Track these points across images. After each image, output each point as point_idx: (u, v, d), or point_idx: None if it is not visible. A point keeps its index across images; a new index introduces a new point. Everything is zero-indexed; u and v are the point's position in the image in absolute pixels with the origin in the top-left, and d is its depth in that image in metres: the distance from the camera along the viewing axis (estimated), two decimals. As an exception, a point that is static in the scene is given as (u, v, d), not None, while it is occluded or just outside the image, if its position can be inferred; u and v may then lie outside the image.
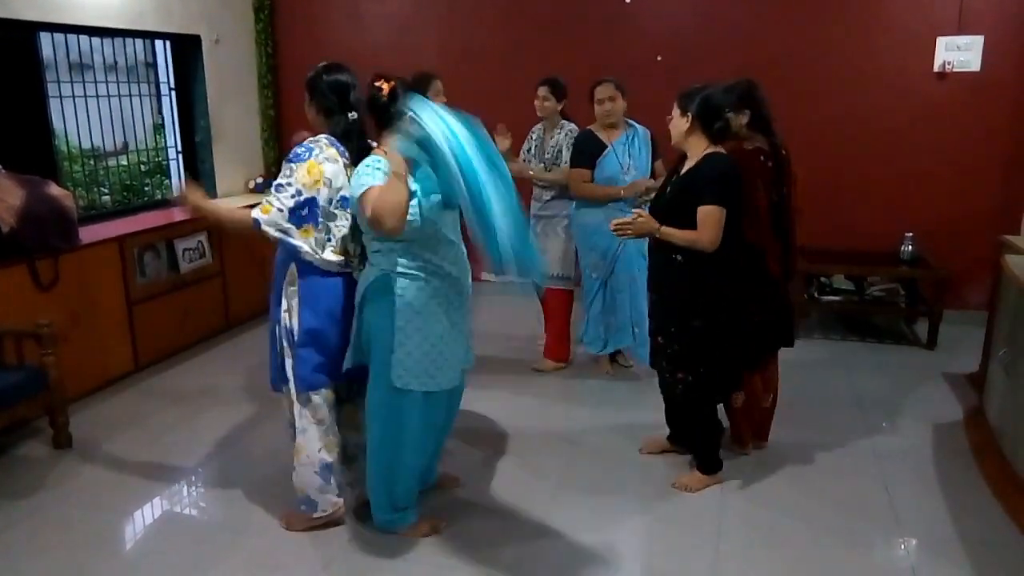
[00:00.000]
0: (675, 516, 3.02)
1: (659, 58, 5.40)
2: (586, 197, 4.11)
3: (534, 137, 4.42)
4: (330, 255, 2.69)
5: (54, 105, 4.71)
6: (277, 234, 2.61)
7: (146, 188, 5.98)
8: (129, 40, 5.31)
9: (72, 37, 4.84)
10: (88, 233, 4.27)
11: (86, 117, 5.00)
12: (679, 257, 2.96)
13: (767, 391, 3.42)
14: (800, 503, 3.09)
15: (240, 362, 4.70)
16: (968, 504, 3.07)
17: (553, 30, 5.58)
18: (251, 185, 6.03)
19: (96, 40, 5.04)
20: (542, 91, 4.25)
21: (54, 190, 3.91)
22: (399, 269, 2.59)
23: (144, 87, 5.64)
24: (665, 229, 2.94)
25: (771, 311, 3.19)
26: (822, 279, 5.20)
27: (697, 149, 2.97)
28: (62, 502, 3.15)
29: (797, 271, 3.42)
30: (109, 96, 5.18)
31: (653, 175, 4.11)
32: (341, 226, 2.70)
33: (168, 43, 5.59)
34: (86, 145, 5.13)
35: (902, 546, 2.84)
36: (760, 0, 5.24)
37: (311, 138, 2.71)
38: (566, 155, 4.23)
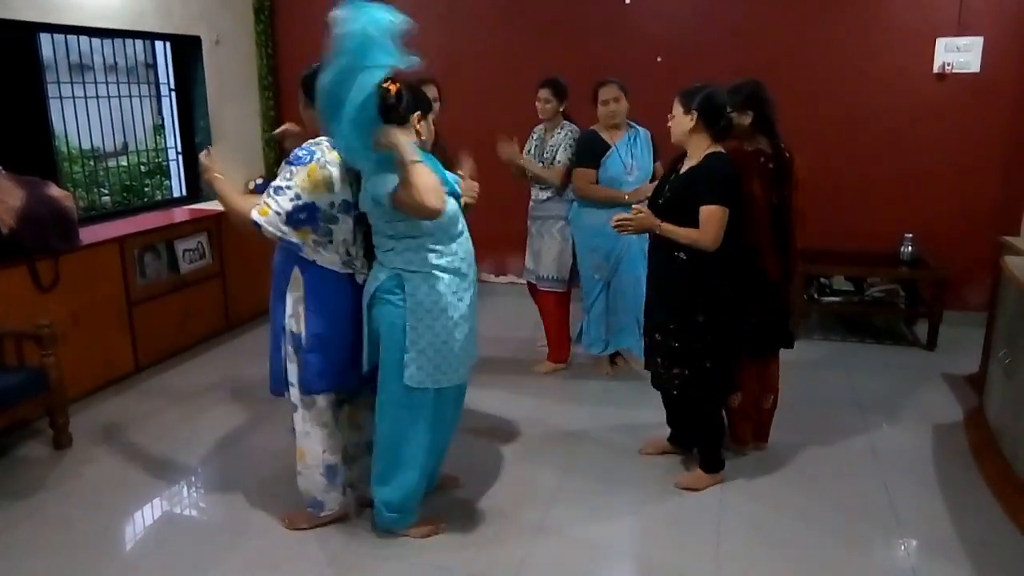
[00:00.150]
0: (675, 516, 3.02)
1: (659, 59, 5.40)
2: (590, 198, 4.10)
3: (535, 138, 4.40)
4: (331, 255, 2.68)
5: (54, 106, 4.71)
6: (279, 235, 2.59)
7: (146, 189, 5.98)
8: (129, 41, 5.32)
9: (72, 38, 4.85)
10: (88, 234, 4.27)
11: (86, 118, 5.01)
12: (682, 255, 2.96)
13: (768, 392, 3.42)
14: (800, 503, 3.09)
15: (240, 363, 4.71)
16: (968, 504, 3.07)
17: (553, 31, 5.58)
18: (251, 186, 6.03)
19: (96, 41, 5.05)
20: (544, 93, 4.23)
21: (54, 191, 3.91)
22: (412, 268, 2.60)
23: (144, 88, 5.65)
24: (666, 226, 2.94)
25: (770, 311, 3.19)
26: (822, 280, 5.20)
27: (699, 148, 2.97)
28: (62, 502, 3.15)
29: (797, 273, 3.41)
30: (109, 97, 5.19)
31: (653, 177, 4.11)
32: (343, 229, 2.68)
33: (168, 44, 5.60)
34: (86, 146, 5.14)
35: (902, 546, 2.84)
36: (760, 1, 5.24)
37: (311, 140, 2.67)
38: (562, 155, 4.21)
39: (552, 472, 3.36)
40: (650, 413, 3.67)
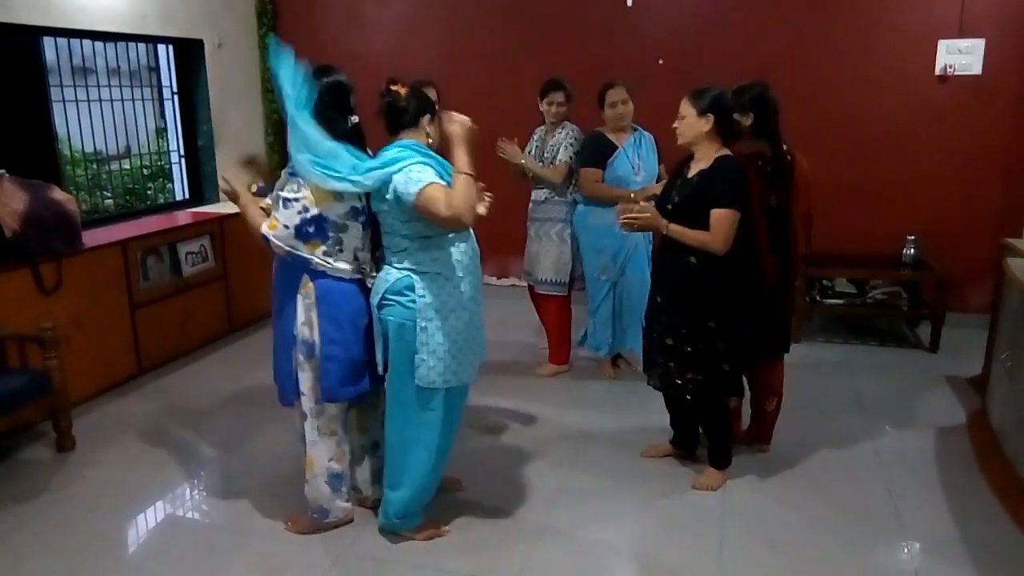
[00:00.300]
0: (677, 518, 3.02)
1: (661, 61, 5.41)
2: (597, 197, 4.07)
3: (535, 139, 4.39)
4: (342, 264, 2.67)
5: (57, 109, 4.73)
6: (287, 249, 2.59)
7: (149, 192, 6.00)
8: (132, 44, 5.33)
9: (75, 41, 4.86)
10: (91, 237, 4.28)
11: (89, 121, 5.02)
12: (692, 259, 2.94)
13: (771, 395, 3.42)
14: (803, 505, 3.09)
15: (242, 365, 4.71)
16: (971, 507, 3.07)
17: (555, 33, 5.59)
18: (253, 189, 6.01)
19: (99, 44, 5.06)
20: (558, 97, 4.18)
21: (57, 194, 3.91)
22: (423, 268, 2.61)
23: (147, 91, 5.66)
24: (674, 227, 2.92)
25: (769, 313, 3.18)
26: (824, 282, 5.20)
27: (709, 151, 2.94)
28: (65, 505, 3.16)
29: (797, 277, 3.38)
30: (112, 100, 5.20)
31: (658, 179, 4.11)
32: (353, 236, 2.68)
33: (171, 47, 5.61)
34: (89, 149, 5.15)
35: (905, 548, 2.84)
36: (761, 3, 5.24)
37: None
38: (563, 154, 4.20)
39: (554, 474, 3.36)
40: (652, 415, 3.67)
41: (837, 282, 5.19)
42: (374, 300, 2.68)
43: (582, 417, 3.93)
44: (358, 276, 2.72)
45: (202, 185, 5.92)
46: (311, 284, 2.66)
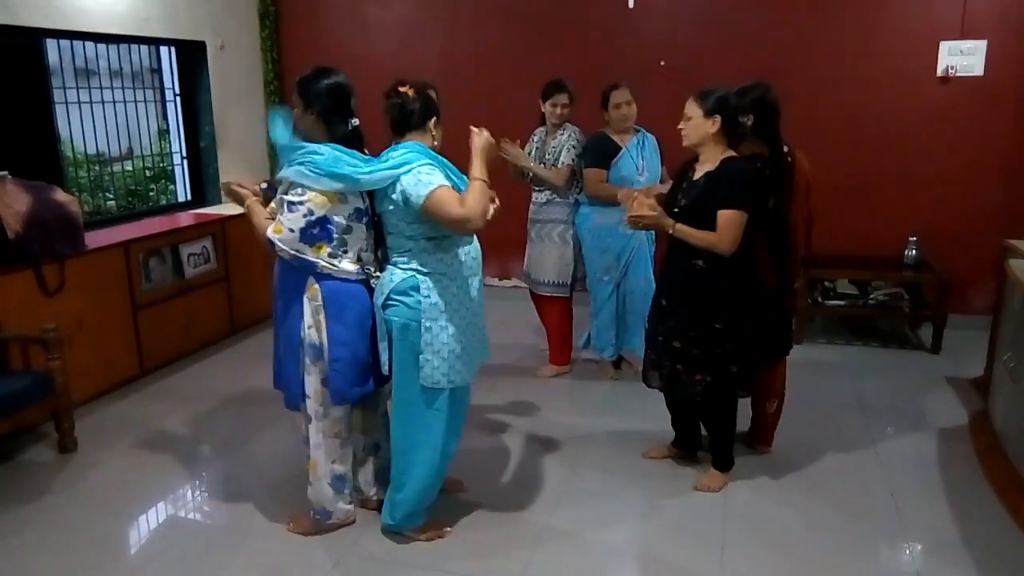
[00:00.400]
0: (679, 519, 3.02)
1: (662, 63, 5.41)
2: (602, 197, 4.06)
3: (535, 140, 4.36)
4: (346, 265, 2.67)
5: (60, 111, 4.74)
6: (293, 253, 2.59)
7: (151, 193, 6.01)
8: (134, 46, 5.34)
9: (78, 43, 4.87)
10: (93, 238, 4.28)
11: (91, 123, 5.03)
12: (700, 263, 2.94)
13: (772, 397, 3.42)
14: (805, 506, 3.09)
15: (245, 366, 4.71)
16: (973, 508, 3.07)
17: (555, 34, 5.59)
18: (262, 185, 6.03)
19: (101, 46, 5.08)
20: (562, 98, 4.17)
21: (59, 196, 3.92)
22: (427, 269, 2.62)
23: (149, 93, 5.67)
24: (680, 227, 2.91)
25: (770, 313, 3.18)
26: (826, 283, 5.20)
27: (715, 153, 2.92)
28: (68, 506, 3.16)
29: (796, 279, 3.37)
30: (114, 102, 5.21)
31: (661, 181, 4.11)
32: (358, 238, 2.68)
33: (173, 49, 5.62)
34: (91, 150, 5.16)
35: (907, 550, 2.83)
36: (763, 4, 5.25)
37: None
38: (565, 156, 4.19)
39: (556, 474, 3.36)
40: (653, 417, 3.67)
41: (839, 283, 5.19)
42: (378, 300, 2.68)
43: (583, 418, 3.93)
44: (363, 277, 2.72)
45: (204, 187, 5.93)
46: (317, 286, 2.65)
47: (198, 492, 3.34)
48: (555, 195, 4.27)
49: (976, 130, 5.03)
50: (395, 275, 2.65)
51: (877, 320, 5.35)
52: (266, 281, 2.87)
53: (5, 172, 3.73)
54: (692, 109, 2.92)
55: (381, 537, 2.88)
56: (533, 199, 4.37)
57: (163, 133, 5.92)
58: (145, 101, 5.58)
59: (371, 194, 2.68)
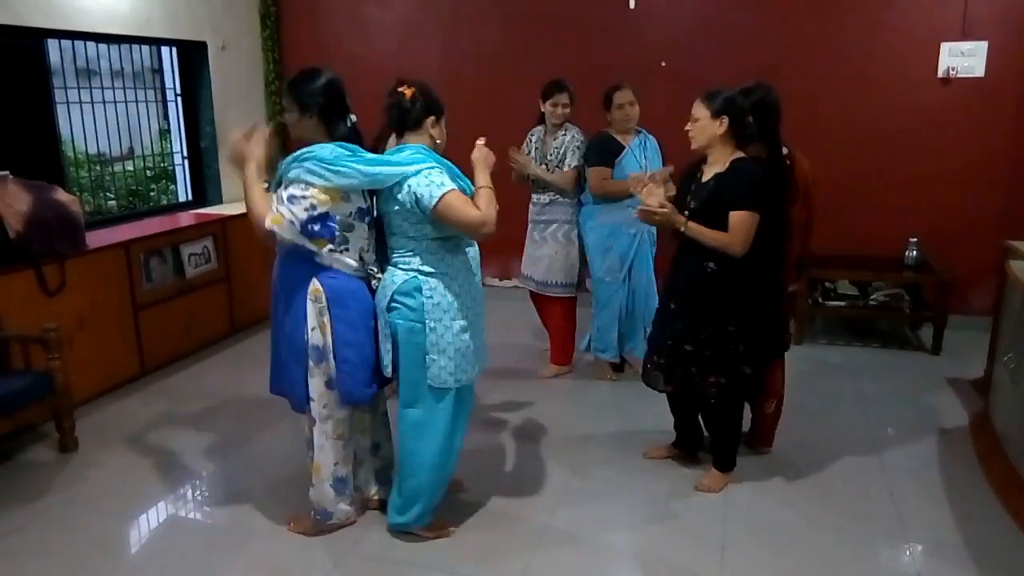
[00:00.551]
0: (680, 520, 3.02)
1: (663, 63, 5.41)
2: (609, 194, 4.05)
3: (533, 140, 4.33)
4: (347, 259, 2.66)
5: (61, 111, 4.74)
6: (291, 239, 2.55)
7: (152, 193, 6.01)
8: (136, 46, 5.34)
9: (79, 43, 4.87)
10: (94, 238, 4.29)
11: (93, 123, 5.04)
12: (711, 265, 2.93)
13: (771, 397, 3.41)
14: (805, 508, 3.09)
15: (245, 367, 4.72)
16: (973, 509, 3.07)
17: (557, 35, 5.59)
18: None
19: (103, 46, 5.08)
20: (563, 98, 4.15)
21: (60, 195, 3.93)
22: (429, 269, 2.63)
23: (150, 93, 5.68)
24: (692, 226, 2.90)
25: (771, 314, 3.18)
26: (826, 284, 5.20)
27: (724, 154, 2.91)
28: (68, 506, 3.17)
29: (790, 282, 3.35)
30: (116, 102, 5.21)
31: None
32: (359, 236, 2.67)
33: (174, 49, 5.63)
34: (92, 151, 5.16)
35: (907, 551, 2.83)
36: (764, 5, 5.25)
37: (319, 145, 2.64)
38: (570, 158, 4.17)
39: (557, 474, 3.36)
40: (654, 417, 3.67)
41: (839, 284, 5.19)
42: (382, 302, 2.67)
43: (584, 418, 3.93)
44: (363, 274, 2.71)
45: (205, 187, 5.93)
46: (319, 286, 2.64)
47: (198, 492, 3.34)
48: (559, 195, 4.26)
49: (977, 131, 5.03)
50: (396, 276, 2.65)
51: (878, 321, 5.34)
52: (267, 281, 2.86)
53: (6, 172, 3.73)
54: (699, 111, 2.90)
55: (382, 537, 2.88)
56: (534, 200, 4.35)
57: (164, 133, 5.93)
58: (146, 101, 5.58)
59: (373, 194, 2.68)
